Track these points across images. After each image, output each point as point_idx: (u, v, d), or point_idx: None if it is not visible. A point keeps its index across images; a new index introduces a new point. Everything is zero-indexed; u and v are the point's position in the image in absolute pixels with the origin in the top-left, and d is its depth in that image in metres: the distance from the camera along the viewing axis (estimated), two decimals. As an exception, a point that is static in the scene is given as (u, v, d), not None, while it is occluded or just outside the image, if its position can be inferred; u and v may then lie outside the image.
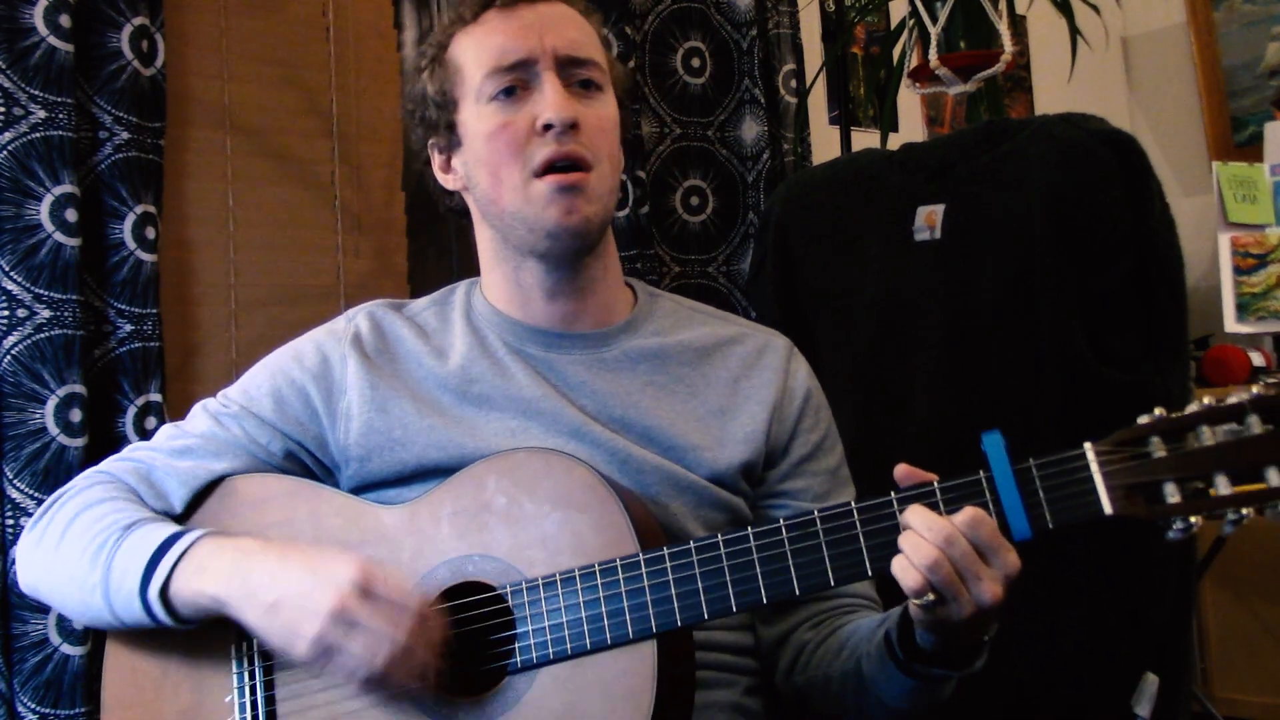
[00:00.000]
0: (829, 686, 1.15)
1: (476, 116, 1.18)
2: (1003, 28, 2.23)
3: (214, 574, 1.05)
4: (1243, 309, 2.97)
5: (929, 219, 1.82)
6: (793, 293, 1.98)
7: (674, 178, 2.48)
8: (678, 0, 2.49)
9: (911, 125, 3.22)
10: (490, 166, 1.17)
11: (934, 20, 2.23)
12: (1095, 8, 2.44)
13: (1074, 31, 2.36)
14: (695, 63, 2.53)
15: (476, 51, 1.18)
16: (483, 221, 1.24)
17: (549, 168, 1.14)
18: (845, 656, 1.13)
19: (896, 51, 2.49)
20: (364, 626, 0.99)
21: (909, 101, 3.16)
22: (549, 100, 1.14)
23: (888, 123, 2.76)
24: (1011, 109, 3.36)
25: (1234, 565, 2.80)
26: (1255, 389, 0.89)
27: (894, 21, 2.66)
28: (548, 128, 1.14)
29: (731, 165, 2.55)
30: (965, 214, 1.79)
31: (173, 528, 1.11)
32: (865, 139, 2.74)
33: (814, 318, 1.95)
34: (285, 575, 1.03)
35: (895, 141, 2.44)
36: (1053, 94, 3.49)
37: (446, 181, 1.26)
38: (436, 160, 1.26)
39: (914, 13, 2.29)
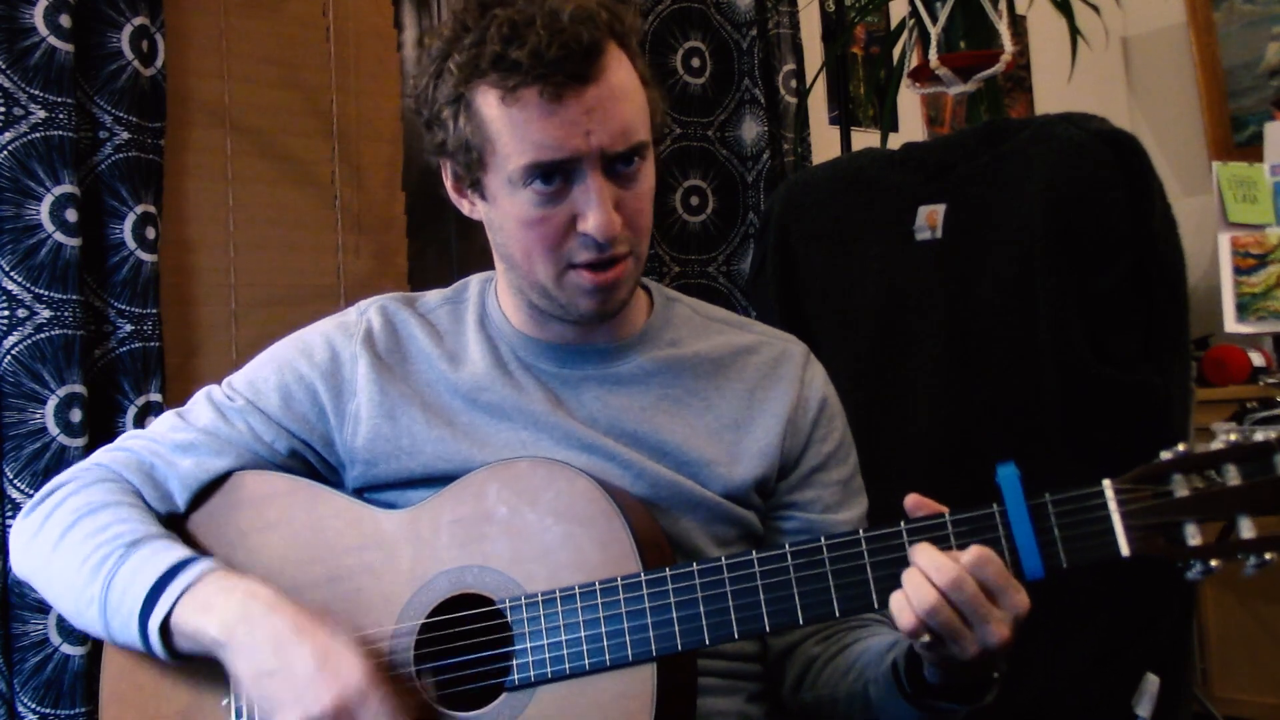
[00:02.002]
0: (836, 708, 1.14)
1: (509, 197, 1.08)
2: (1003, 28, 2.23)
3: (220, 615, 1.03)
4: (1243, 309, 2.97)
5: (930, 219, 1.82)
6: (793, 293, 1.98)
7: (674, 178, 2.49)
8: (678, 0, 2.49)
9: (911, 125, 3.22)
10: (523, 248, 1.10)
11: (934, 20, 2.23)
12: (1095, 8, 2.44)
13: (1074, 31, 2.37)
14: (695, 63, 2.53)
15: (512, 136, 1.05)
16: (501, 259, 1.18)
17: (587, 266, 1.09)
18: (853, 679, 1.12)
19: (896, 51, 2.49)
20: None
21: (909, 101, 3.16)
22: (594, 213, 1.05)
23: (888, 123, 2.76)
24: (1011, 109, 3.36)
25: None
26: None
27: (894, 21, 2.66)
28: (587, 234, 1.07)
29: (731, 165, 2.55)
30: (966, 214, 1.79)
31: (178, 553, 1.08)
32: (865, 139, 2.74)
33: (814, 317, 1.95)
34: (292, 649, 1.00)
35: (895, 141, 2.44)
36: (1053, 94, 3.49)
37: (462, 206, 1.18)
38: (449, 180, 1.16)
39: (914, 13, 2.29)
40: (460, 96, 1.07)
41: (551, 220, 1.07)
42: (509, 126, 1.05)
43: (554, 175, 1.05)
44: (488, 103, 1.06)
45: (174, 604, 1.04)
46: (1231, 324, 2.97)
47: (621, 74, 1.07)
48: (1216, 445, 0.89)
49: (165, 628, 1.04)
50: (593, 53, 1.03)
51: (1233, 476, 0.87)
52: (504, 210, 1.10)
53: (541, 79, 1.02)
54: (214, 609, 1.03)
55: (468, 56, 1.05)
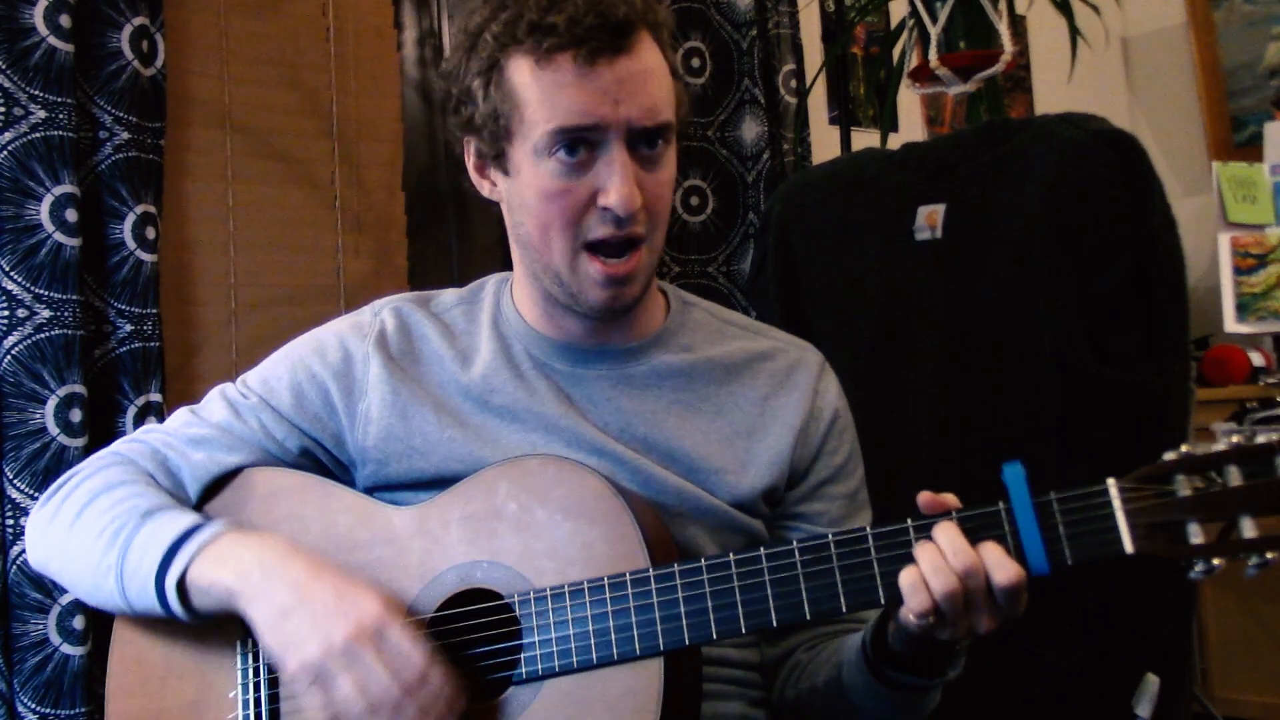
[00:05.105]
0: (814, 697, 1.14)
1: (533, 168, 1.09)
2: (1003, 28, 2.23)
3: (234, 565, 1.04)
4: (1243, 309, 2.97)
5: (930, 219, 1.82)
6: (793, 293, 1.98)
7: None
8: (677, 0, 2.49)
9: (911, 125, 3.22)
10: (540, 223, 1.11)
11: (934, 20, 2.23)
12: (1095, 8, 2.44)
13: (1074, 31, 2.37)
14: (695, 63, 2.53)
15: (541, 100, 1.07)
16: (517, 243, 1.19)
17: (602, 247, 1.10)
18: (830, 668, 1.13)
19: (896, 51, 2.49)
20: (364, 667, 0.97)
21: (909, 101, 3.16)
22: (616, 186, 1.06)
23: (888, 123, 2.76)
24: (1011, 109, 3.36)
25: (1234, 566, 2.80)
26: None
27: (894, 21, 2.66)
28: (608, 209, 1.08)
29: (731, 165, 2.55)
30: (966, 214, 1.79)
31: (194, 517, 1.10)
32: (865, 139, 2.74)
33: (814, 318, 1.95)
34: (310, 588, 1.01)
35: (895, 141, 2.45)
36: (1053, 94, 3.49)
37: (483, 187, 1.18)
38: (472, 159, 1.18)
39: (914, 13, 2.29)
40: (494, 64, 1.10)
41: (573, 193, 1.08)
42: (540, 92, 1.07)
43: (579, 146, 1.07)
44: (520, 70, 1.08)
45: (190, 561, 1.05)
46: (1231, 324, 2.97)
47: (652, 56, 1.10)
48: (1219, 447, 0.90)
49: (182, 587, 1.05)
50: (627, 28, 1.06)
51: (1234, 477, 0.89)
52: (526, 182, 1.11)
53: (577, 43, 1.05)
54: (229, 562, 1.05)
55: (504, 26, 1.08)
